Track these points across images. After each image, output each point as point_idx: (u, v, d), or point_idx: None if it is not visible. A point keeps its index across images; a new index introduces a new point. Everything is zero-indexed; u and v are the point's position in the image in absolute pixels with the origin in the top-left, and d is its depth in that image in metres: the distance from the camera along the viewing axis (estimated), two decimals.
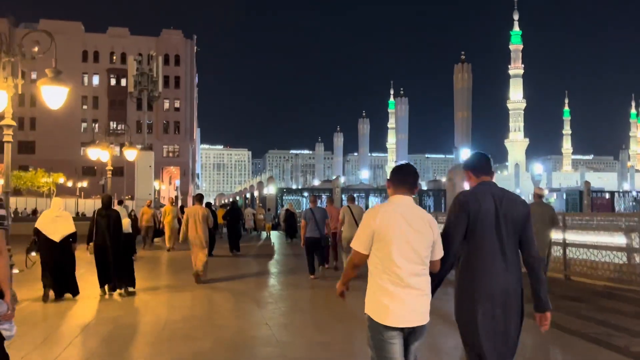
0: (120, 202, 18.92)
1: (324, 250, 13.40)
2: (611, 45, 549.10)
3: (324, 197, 44.98)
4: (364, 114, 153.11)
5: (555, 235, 11.95)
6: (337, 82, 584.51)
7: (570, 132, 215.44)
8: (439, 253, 3.64)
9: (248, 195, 64.30)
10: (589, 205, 52.35)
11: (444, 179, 67.13)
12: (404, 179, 3.70)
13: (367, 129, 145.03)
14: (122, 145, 27.23)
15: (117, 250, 10.58)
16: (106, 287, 10.64)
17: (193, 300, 10.18)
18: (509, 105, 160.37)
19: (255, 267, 16.35)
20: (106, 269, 10.53)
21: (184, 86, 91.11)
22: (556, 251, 12.60)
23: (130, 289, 10.78)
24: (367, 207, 61.42)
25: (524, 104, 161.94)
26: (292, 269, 15.39)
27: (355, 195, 60.20)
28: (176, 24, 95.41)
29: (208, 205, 22.66)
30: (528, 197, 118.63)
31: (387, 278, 3.48)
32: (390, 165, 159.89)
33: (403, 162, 4.00)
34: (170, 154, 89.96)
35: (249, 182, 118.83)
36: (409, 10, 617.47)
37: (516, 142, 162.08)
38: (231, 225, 20.93)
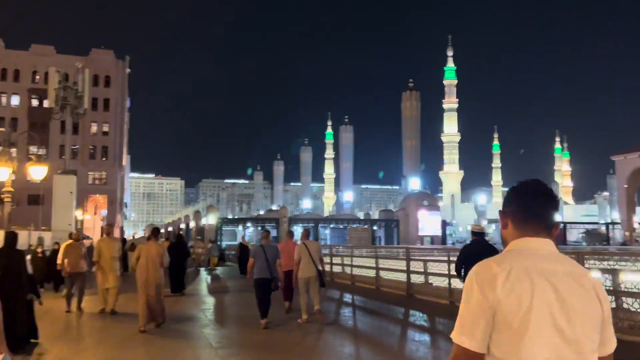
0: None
1: (269, 294, 11.62)
2: (537, 81, 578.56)
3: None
4: (306, 142, 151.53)
5: None
6: (277, 110, 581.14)
7: (500, 165, 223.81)
8: (612, 342, 2.05)
9: (182, 226, 59.60)
10: None
11: (395, 209, 65.36)
12: (537, 206, 2.08)
13: (309, 157, 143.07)
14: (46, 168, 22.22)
15: (21, 298, 9.04)
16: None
17: None
18: (443, 138, 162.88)
19: (205, 314, 14.16)
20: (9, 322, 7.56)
21: (114, 109, 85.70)
22: None
23: (33, 341, 9.43)
24: (316, 239, 58.23)
25: (459, 137, 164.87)
26: (250, 314, 12.79)
27: (303, 226, 57.09)
28: (107, 45, 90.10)
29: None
30: (467, 228, 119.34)
31: None
32: (328, 196, 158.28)
33: (528, 179, 2.18)
34: (97, 181, 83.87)
35: (182, 213, 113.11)
36: (354, 36, 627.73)
37: (451, 173, 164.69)
38: (175, 262, 17.55)
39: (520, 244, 2.08)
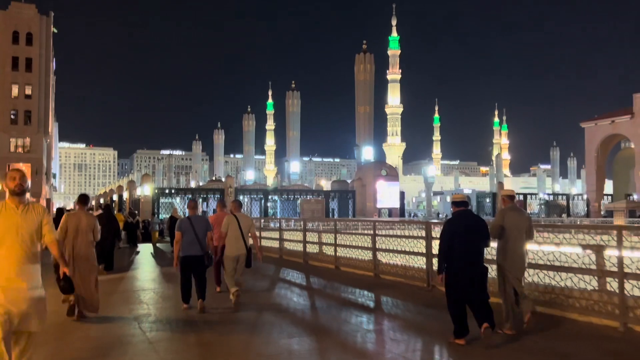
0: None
1: (202, 273, 10.04)
2: (478, 55, 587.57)
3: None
4: (249, 109, 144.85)
5: None
6: (219, 76, 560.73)
7: (439, 138, 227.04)
8: None
9: (115, 198, 54.46)
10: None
11: (349, 180, 62.07)
12: None
13: (252, 126, 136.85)
14: None
15: None
16: None
17: None
18: (387, 110, 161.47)
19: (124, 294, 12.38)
20: None
21: (38, 70, 77.93)
22: None
23: None
24: (265, 211, 54.64)
25: (401, 109, 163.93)
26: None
27: (250, 197, 53.21)
28: None
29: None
30: (412, 200, 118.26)
31: None
32: (269, 169, 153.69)
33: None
34: (20, 149, 76.64)
35: (116, 184, 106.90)
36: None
37: (394, 146, 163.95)
38: (104, 236, 15.31)
39: None
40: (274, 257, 20.02)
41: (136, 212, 33.85)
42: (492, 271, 8.40)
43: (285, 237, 20.39)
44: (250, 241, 10.61)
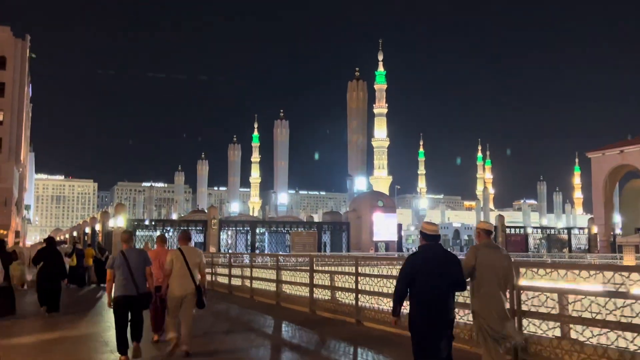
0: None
1: (138, 316, 8.74)
2: (461, 91, 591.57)
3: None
4: (235, 139, 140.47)
5: None
6: (204, 105, 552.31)
7: (424, 172, 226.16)
8: None
9: (88, 230, 50.22)
10: (504, 242, 48.86)
11: (342, 211, 58.39)
12: None
13: (238, 156, 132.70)
14: None
15: None
16: None
17: None
18: (374, 143, 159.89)
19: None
20: None
21: (11, 95, 74.23)
22: None
23: None
24: (252, 245, 50.42)
25: (388, 142, 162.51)
26: None
27: (236, 229, 49.25)
28: (3, 21, 78.53)
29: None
30: (389, 232, 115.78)
31: None
32: (254, 201, 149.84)
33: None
34: None
35: (92, 215, 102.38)
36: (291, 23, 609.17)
37: (381, 179, 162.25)
38: (46, 274, 14.75)
39: None
40: (270, 304, 16.08)
41: (105, 248, 30.06)
42: None
43: (284, 277, 16.17)
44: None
